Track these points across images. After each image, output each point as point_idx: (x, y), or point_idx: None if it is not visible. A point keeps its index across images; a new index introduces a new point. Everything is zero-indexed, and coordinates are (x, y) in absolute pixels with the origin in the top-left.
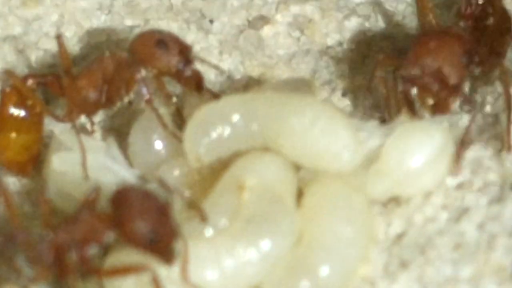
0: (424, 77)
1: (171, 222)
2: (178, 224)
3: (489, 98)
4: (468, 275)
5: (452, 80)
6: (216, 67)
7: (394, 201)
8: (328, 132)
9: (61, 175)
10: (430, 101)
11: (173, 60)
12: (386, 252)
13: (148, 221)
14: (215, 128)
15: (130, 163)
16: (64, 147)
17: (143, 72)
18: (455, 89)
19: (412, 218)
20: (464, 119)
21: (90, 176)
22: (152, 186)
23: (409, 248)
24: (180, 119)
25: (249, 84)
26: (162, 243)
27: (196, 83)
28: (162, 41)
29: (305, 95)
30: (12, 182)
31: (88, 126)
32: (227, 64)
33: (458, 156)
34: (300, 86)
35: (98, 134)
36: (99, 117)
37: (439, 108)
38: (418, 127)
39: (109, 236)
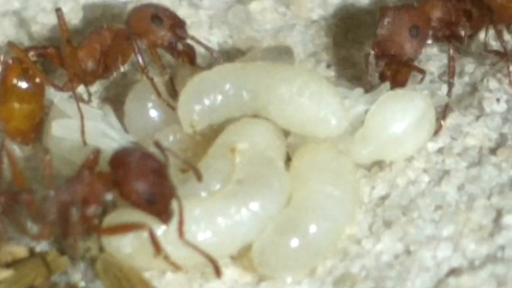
0: (381, 55)
1: (168, 182)
2: (174, 185)
3: (468, 68)
4: (448, 234)
5: (405, 52)
6: (206, 47)
7: (378, 165)
8: (315, 99)
9: (60, 141)
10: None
11: (167, 35)
12: (371, 213)
13: (146, 182)
14: (207, 95)
15: (126, 131)
16: (63, 115)
17: (139, 44)
18: (407, 61)
19: (395, 181)
20: (443, 88)
21: (88, 142)
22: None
23: (393, 209)
24: (172, 89)
25: (238, 57)
26: (159, 203)
27: (189, 57)
28: (157, 15)
29: (290, 63)
30: (13, 149)
31: (85, 96)
32: (216, 37)
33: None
34: (281, 53)
35: (94, 104)
36: (95, 87)
37: (396, 81)
38: (401, 95)
39: (109, 195)
